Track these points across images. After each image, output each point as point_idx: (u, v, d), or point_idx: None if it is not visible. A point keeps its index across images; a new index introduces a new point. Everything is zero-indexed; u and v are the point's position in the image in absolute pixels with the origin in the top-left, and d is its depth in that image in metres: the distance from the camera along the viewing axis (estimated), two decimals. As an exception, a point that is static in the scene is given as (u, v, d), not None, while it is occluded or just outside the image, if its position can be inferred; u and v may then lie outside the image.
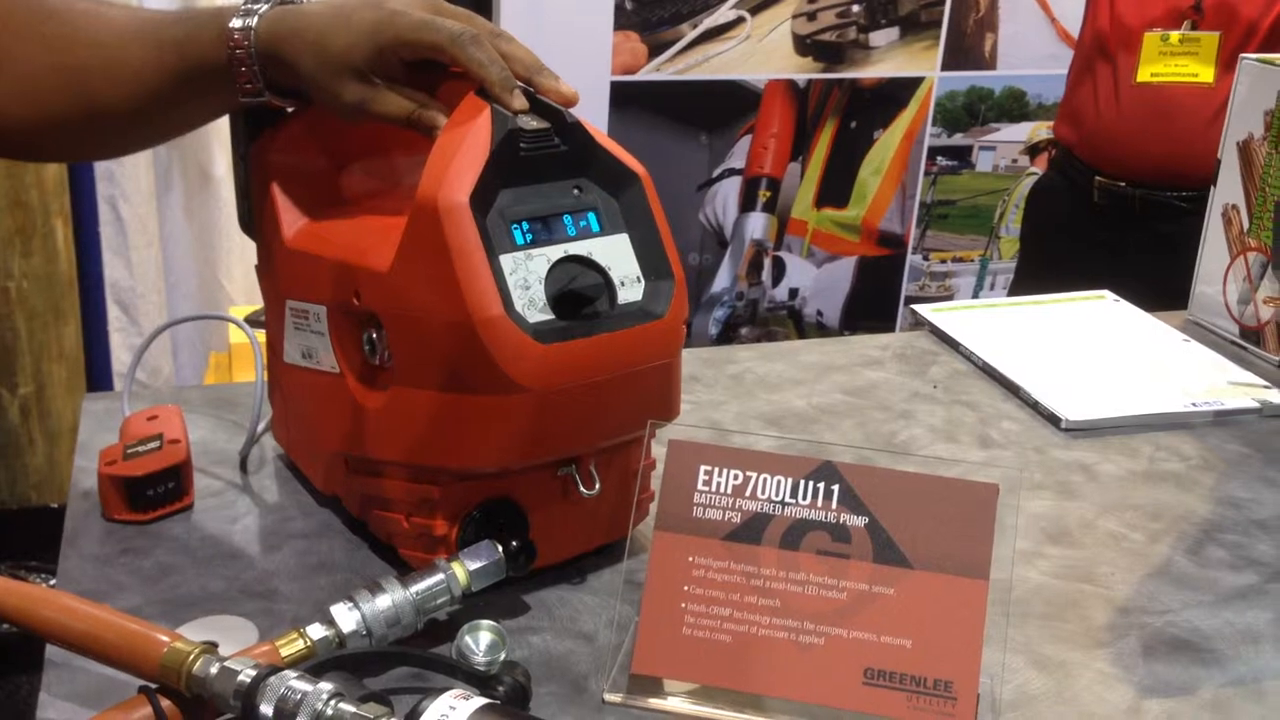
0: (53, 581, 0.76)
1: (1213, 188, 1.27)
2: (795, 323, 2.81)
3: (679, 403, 0.78)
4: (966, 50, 2.71)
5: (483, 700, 0.58)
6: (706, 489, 0.71)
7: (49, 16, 0.80)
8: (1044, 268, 2.03)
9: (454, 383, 0.71)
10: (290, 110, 0.83)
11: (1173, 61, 1.83)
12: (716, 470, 0.71)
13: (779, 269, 2.76)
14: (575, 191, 0.73)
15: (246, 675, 0.60)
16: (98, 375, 2.28)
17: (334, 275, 0.77)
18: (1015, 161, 2.84)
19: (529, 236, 0.71)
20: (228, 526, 0.84)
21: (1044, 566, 0.85)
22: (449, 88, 0.74)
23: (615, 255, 0.73)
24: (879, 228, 2.79)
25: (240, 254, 2.36)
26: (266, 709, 0.59)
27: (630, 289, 0.73)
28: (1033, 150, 2.83)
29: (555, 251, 0.71)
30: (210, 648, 0.62)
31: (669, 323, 0.74)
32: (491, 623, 0.68)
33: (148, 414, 0.90)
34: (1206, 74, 1.81)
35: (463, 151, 0.70)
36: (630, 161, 0.75)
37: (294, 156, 0.84)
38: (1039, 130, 2.80)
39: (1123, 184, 1.89)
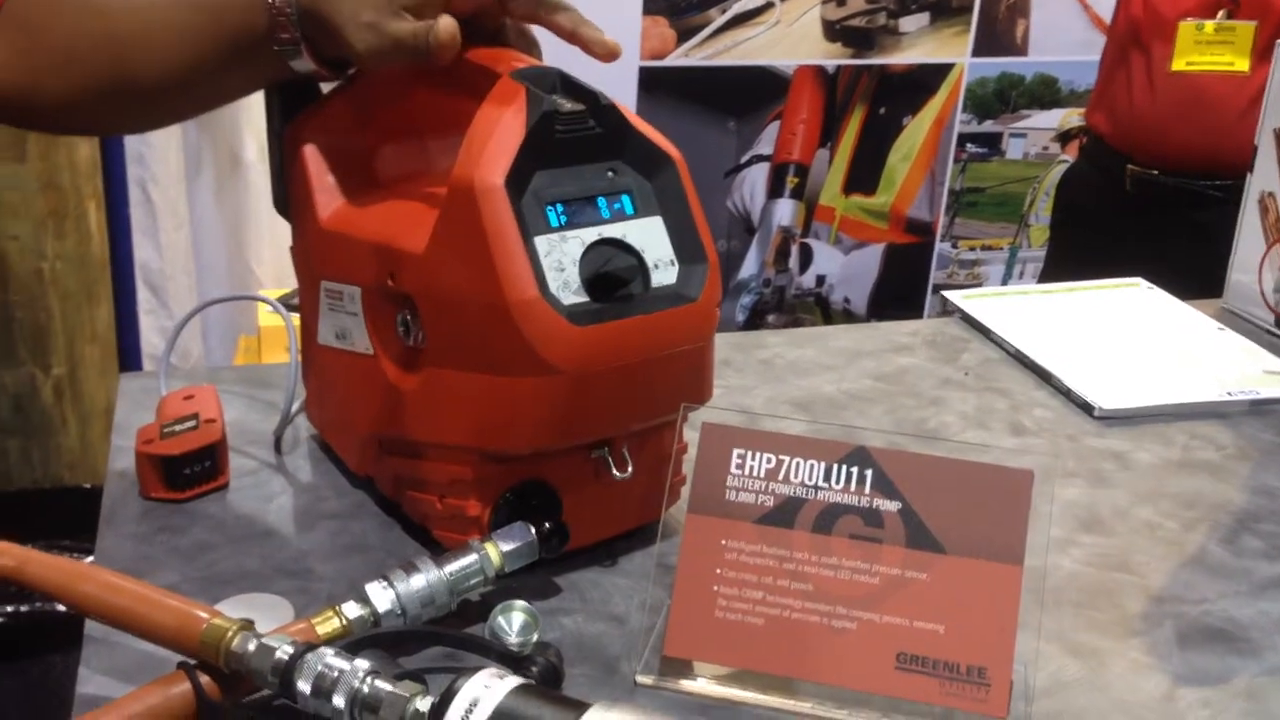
0: (88, 559, 0.77)
1: (1249, 175, 1.26)
2: (822, 310, 2.81)
3: (712, 386, 0.78)
4: (998, 36, 2.69)
5: (517, 680, 0.58)
6: (739, 472, 0.71)
7: None
8: (1074, 256, 2.01)
9: (488, 364, 0.71)
10: (325, 91, 0.83)
11: (1208, 51, 1.81)
12: (749, 454, 0.71)
13: (806, 256, 2.75)
14: (610, 174, 0.73)
15: (284, 652, 0.60)
16: (128, 356, 2.30)
17: (369, 256, 0.78)
18: (1046, 149, 2.82)
19: (564, 219, 0.71)
20: (263, 506, 0.84)
21: (1078, 554, 0.84)
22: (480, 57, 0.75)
23: (649, 238, 0.73)
24: (907, 215, 2.78)
25: (270, 237, 2.37)
26: (304, 685, 0.59)
27: (664, 272, 0.73)
28: (1064, 137, 2.81)
29: (590, 234, 0.71)
30: (248, 624, 0.63)
31: (702, 306, 0.74)
32: (524, 604, 0.69)
33: (184, 393, 0.90)
34: (1242, 63, 1.79)
35: (498, 133, 0.70)
36: (664, 144, 0.75)
37: (329, 137, 0.84)
38: (1070, 117, 2.78)
39: (1156, 172, 1.87)
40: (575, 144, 0.72)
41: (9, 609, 1.93)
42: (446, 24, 0.72)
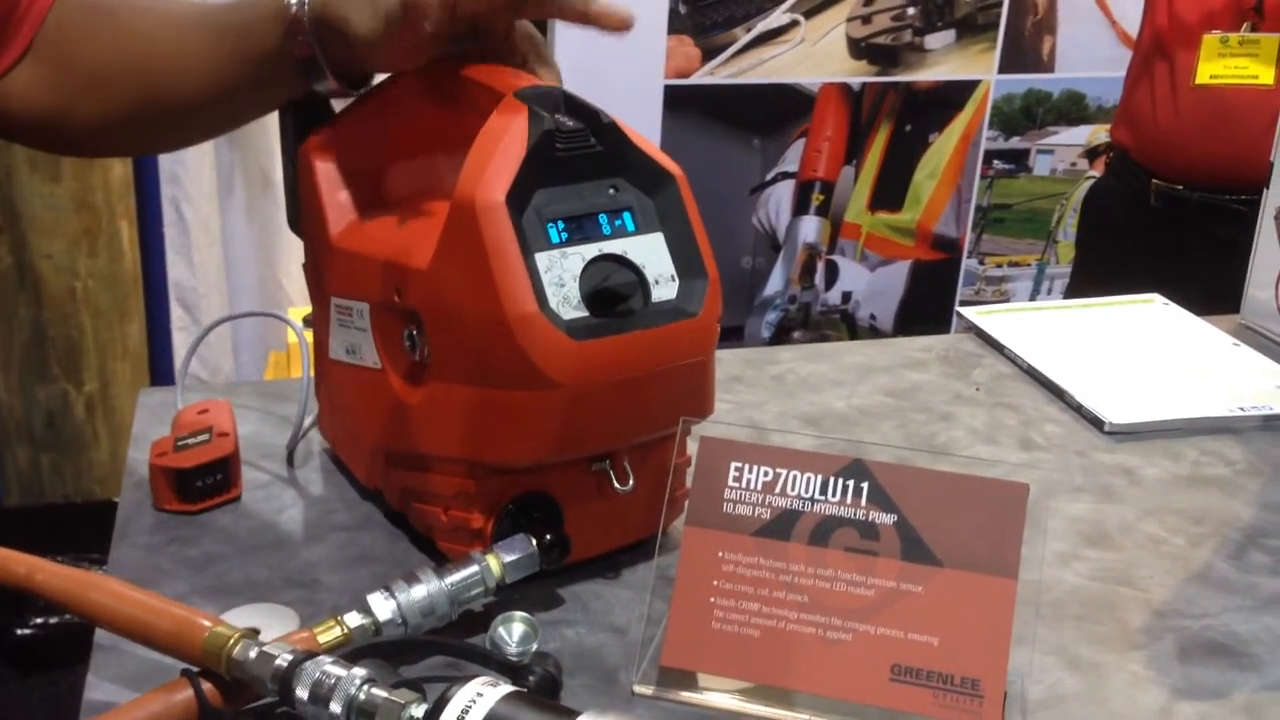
0: (104, 569, 0.78)
1: (1266, 190, 1.25)
2: (848, 326, 2.80)
3: (713, 400, 0.79)
4: (1025, 53, 2.69)
5: (509, 688, 0.59)
6: (737, 485, 0.71)
7: (113, 11, 0.83)
8: (1100, 271, 2.01)
9: (490, 379, 0.72)
10: (338, 111, 0.85)
11: (1232, 63, 1.81)
12: (747, 467, 0.72)
13: (832, 272, 2.75)
14: (611, 191, 0.75)
15: (284, 660, 0.61)
16: (160, 373, 2.33)
17: (377, 273, 0.79)
18: (1074, 165, 2.81)
19: (564, 235, 0.72)
20: (273, 518, 0.86)
21: (1081, 569, 0.84)
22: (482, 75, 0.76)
23: (650, 254, 0.74)
24: (934, 231, 2.77)
25: (299, 255, 2.40)
26: (302, 692, 0.60)
27: (664, 287, 0.74)
28: (1092, 153, 2.80)
29: (590, 250, 0.72)
30: (251, 633, 0.64)
31: (702, 321, 0.75)
32: (524, 614, 0.70)
33: (199, 407, 0.92)
34: (1267, 76, 1.79)
35: (500, 151, 0.71)
36: (665, 161, 0.76)
37: (340, 156, 0.86)
38: (1098, 133, 2.77)
39: (1180, 187, 1.87)
40: (576, 161, 0.73)
41: (38, 621, 1.96)
42: None
